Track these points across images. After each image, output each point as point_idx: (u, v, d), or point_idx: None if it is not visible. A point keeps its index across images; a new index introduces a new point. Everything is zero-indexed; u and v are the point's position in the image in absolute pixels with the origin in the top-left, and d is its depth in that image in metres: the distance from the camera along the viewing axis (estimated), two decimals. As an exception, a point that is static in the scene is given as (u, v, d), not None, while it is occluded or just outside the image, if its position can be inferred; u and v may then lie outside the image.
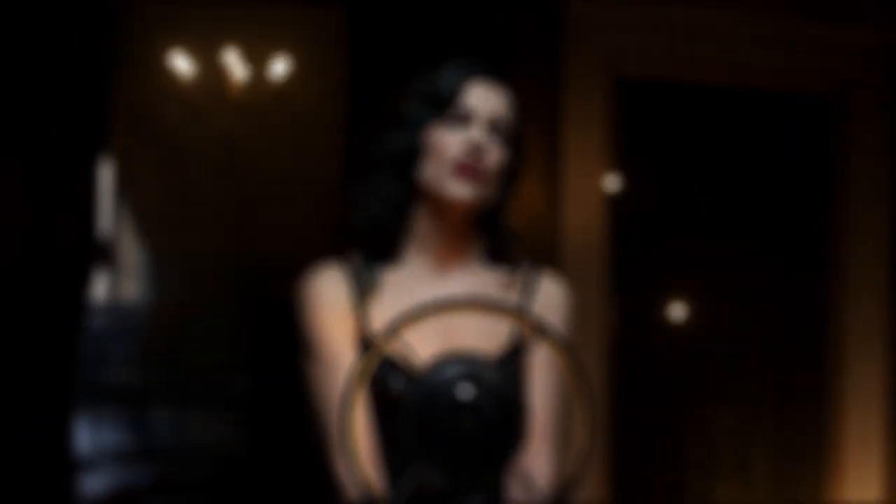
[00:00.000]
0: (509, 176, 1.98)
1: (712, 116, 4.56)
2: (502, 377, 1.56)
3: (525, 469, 1.85)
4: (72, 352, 3.99)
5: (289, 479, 3.66)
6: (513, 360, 1.89)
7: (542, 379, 1.90)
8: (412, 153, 1.90)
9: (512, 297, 1.92)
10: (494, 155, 1.87)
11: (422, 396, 1.53)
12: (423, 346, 1.67)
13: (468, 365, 1.56)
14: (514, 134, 1.94)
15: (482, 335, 1.86)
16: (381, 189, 1.92)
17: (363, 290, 1.88)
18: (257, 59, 6.46)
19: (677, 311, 4.09)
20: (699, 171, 4.53)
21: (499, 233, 2.01)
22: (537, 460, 1.87)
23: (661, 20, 4.10)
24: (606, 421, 3.86)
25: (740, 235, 4.62)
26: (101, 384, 8.43)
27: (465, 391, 1.54)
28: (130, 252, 10.41)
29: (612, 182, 3.94)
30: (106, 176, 10.36)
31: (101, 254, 7.54)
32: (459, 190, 1.85)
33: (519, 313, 1.65)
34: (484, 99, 1.88)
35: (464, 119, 1.86)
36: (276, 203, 6.64)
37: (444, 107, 1.86)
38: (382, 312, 1.79)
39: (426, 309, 1.55)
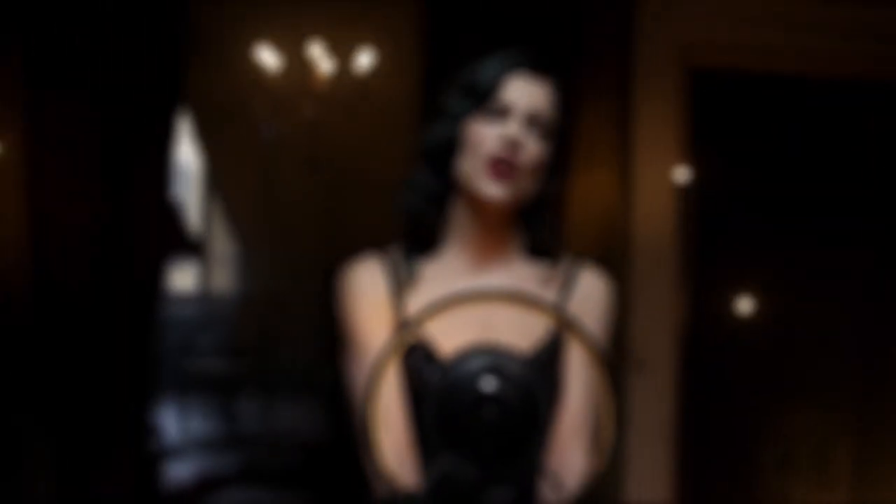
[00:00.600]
0: (552, 170, 1.95)
1: (787, 106, 4.46)
2: (527, 371, 1.54)
3: (556, 465, 1.83)
4: (152, 340, 4.06)
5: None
6: (547, 356, 1.87)
7: (576, 375, 1.87)
8: (450, 146, 1.88)
9: (550, 291, 1.90)
10: (532, 149, 1.83)
11: (445, 387, 1.52)
12: (460, 339, 1.65)
13: (493, 357, 1.54)
14: (555, 128, 1.90)
15: (519, 330, 1.84)
16: (420, 182, 1.92)
17: (401, 283, 1.88)
18: (341, 52, 6.51)
19: (751, 304, 4.02)
20: (772, 162, 4.43)
21: (539, 227, 1.97)
22: (568, 456, 1.84)
23: (733, 9, 4.02)
24: (678, 417, 3.81)
25: (815, 226, 4.51)
26: (191, 373, 8.59)
27: (489, 383, 1.52)
28: (221, 243, 10.59)
29: (684, 173, 3.89)
30: (181, 164, 10.56)
31: (191, 245, 7.68)
32: (492, 189, 1.81)
33: (546, 307, 1.63)
34: (523, 93, 1.83)
35: (501, 113, 1.83)
36: (362, 193, 6.68)
37: (483, 100, 1.83)
38: (419, 305, 1.78)
39: (447, 301, 1.55)
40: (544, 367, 1.83)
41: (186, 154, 10.18)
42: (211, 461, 7.18)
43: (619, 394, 3.37)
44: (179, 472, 6.93)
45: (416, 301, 1.82)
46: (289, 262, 8.12)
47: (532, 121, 1.82)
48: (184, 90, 3.93)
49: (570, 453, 1.86)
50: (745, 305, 3.79)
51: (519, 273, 1.91)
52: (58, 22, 3.68)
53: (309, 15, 6.69)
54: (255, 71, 7.06)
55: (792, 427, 4.35)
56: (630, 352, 3.97)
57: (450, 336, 1.63)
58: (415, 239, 1.95)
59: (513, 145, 1.79)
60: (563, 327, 1.60)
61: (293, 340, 8.64)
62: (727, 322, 3.34)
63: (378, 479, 1.57)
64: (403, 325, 1.56)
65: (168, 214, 4.17)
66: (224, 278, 10.99)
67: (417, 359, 1.79)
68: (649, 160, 3.98)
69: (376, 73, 5.82)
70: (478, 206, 1.86)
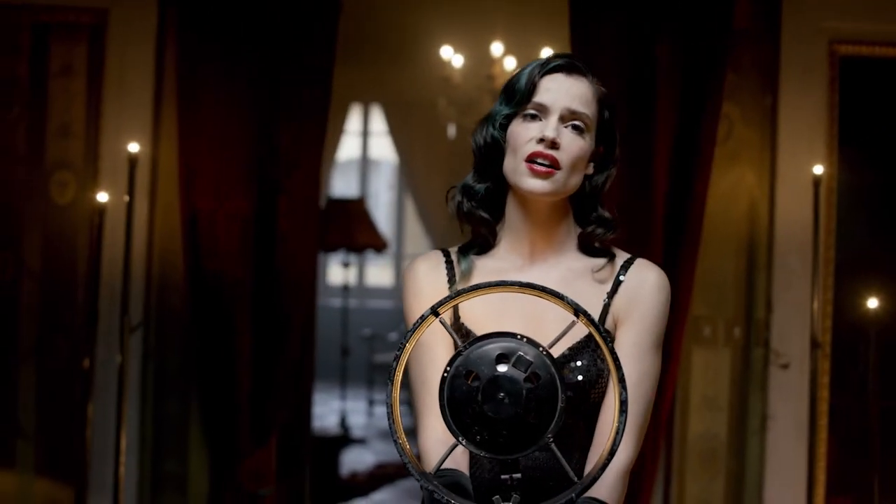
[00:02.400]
0: (599, 164, 1.97)
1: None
2: (544, 359, 1.57)
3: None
4: (308, 332, 4.21)
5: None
6: (590, 348, 1.88)
7: (626, 365, 1.88)
8: (496, 149, 1.95)
9: (598, 286, 1.92)
10: (569, 145, 1.86)
11: (459, 371, 1.57)
12: (507, 329, 1.69)
13: (509, 343, 1.57)
14: (595, 122, 1.93)
15: (567, 323, 1.86)
16: (468, 185, 1.98)
17: (457, 277, 1.95)
18: (522, 50, 6.58)
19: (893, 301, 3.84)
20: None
21: (588, 220, 2.00)
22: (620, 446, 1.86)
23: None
24: (813, 416, 3.69)
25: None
26: (378, 366, 8.84)
27: (502, 369, 1.55)
28: (414, 240, 10.86)
29: (830, 165, 3.75)
30: (378, 160, 10.82)
31: (381, 241, 7.89)
32: (531, 183, 1.86)
33: (561, 298, 1.64)
34: (559, 92, 1.88)
35: (538, 113, 1.89)
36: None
37: (520, 103, 1.91)
38: (472, 298, 1.84)
39: (463, 291, 1.59)
40: (590, 359, 1.85)
41: (382, 150, 10.47)
42: (392, 450, 7.37)
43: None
44: (362, 459, 7.16)
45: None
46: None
47: (568, 118, 1.87)
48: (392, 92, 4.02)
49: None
50: (891, 302, 3.64)
51: (569, 266, 1.93)
52: (210, 23, 3.86)
53: (492, 14, 6.78)
54: (442, 70, 7.21)
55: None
56: (773, 350, 3.89)
57: (498, 328, 1.67)
58: (473, 236, 2.01)
59: (548, 144, 1.84)
60: (580, 319, 1.60)
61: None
62: (871, 319, 3.21)
63: (410, 462, 1.62)
64: (425, 313, 1.61)
65: (319, 209, 4.26)
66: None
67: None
68: (793, 152, 3.87)
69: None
70: (525, 202, 1.91)
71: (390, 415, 1.62)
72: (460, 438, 1.57)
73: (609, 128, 1.95)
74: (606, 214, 1.97)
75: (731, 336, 3.99)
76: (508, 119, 1.91)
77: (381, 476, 6.67)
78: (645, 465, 3.74)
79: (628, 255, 1.98)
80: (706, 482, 3.98)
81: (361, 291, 10.39)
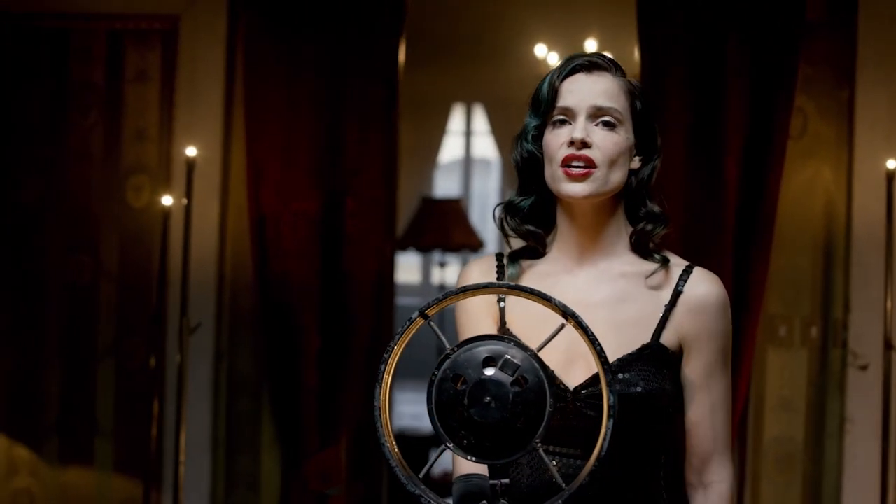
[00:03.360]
0: (643, 157, 1.92)
1: None
2: (532, 361, 1.54)
3: (705, 479, 1.87)
4: (380, 330, 4.22)
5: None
6: (645, 359, 1.85)
7: (698, 393, 1.87)
8: (532, 161, 1.92)
9: (656, 293, 1.88)
10: (603, 142, 1.82)
11: (446, 374, 1.55)
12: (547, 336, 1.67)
13: (497, 346, 1.55)
14: (628, 115, 1.88)
15: (622, 333, 1.83)
16: (512, 200, 1.96)
17: (507, 281, 1.93)
18: (617, 47, 6.50)
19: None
20: None
21: (640, 217, 1.95)
22: (714, 469, 1.87)
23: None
24: (887, 419, 3.56)
25: None
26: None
27: (489, 372, 1.53)
28: (517, 240, 10.80)
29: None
30: (484, 160, 10.77)
31: (477, 240, 7.87)
32: (570, 188, 1.82)
33: (545, 297, 1.61)
34: (581, 91, 1.84)
35: (565, 117, 1.86)
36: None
37: (547, 110, 1.88)
38: (520, 302, 1.82)
39: (452, 293, 1.57)
40: (643, 368, 1.81)
41: (487, 149, 10.47)
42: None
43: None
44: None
45: (516, 300, 1.86)
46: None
47: (596, 115, 1.82)
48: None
49: (715, 466, 1.87)
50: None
51: (621, 271, 1.89)
52: (276, 27, 3.91)
53: (586, 12, 6.74)
54: (536, 68, 7.18)
55: None
56: (851, 351, 3.77)
57: (542, 336, 1.64)
58: (524, 245, 1.99)
59: (579, 143, 1.80)
60: (569, 322, 1.57)
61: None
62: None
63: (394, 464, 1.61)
64: (413, 315, 1.60)
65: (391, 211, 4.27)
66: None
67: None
68: (870, 150, 3.74)
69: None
70: (570, 206, 1.87)
71: (378, 417, 1.60)
72: (448, 443, 1.55)
73: (645, 118, 1.90)
74: (656, 208, 1.92)
75: (807, 336, 3.88)
76: (539, 130, 1.88)
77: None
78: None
79: (686, 263, 1.92)
80: (782, 487, 3.87)
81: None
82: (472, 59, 8.45)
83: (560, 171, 1.83)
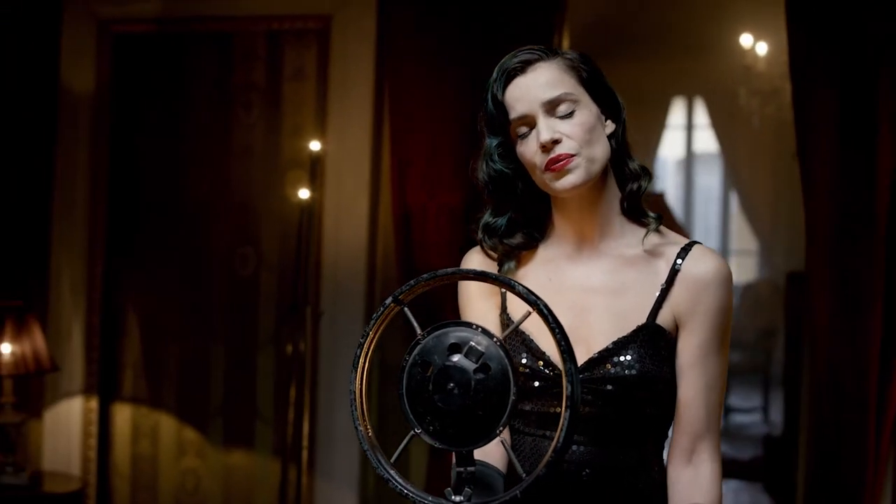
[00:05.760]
0: (612, 118, 1.85)
1: None
2: (497, 349, 1.51)
3: (688, 473, 1.79)
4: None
5: (834, 458, 3.48)
6: (639, 343, 1.79)
7: (692, 371, 1.79)
8: (503, 179, 1.89)
9: (653, 276, 1.82)
10: (571, 129, 1.78)
11: (416, 360, 1.54)
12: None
13: (464, 332, 1.53)
14: (582, 90, 1.82)
15: (619, 315, 1.80)
16: (488, 220, 1.92)
17: (505, 271, 1.91)
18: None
19: None
20: None
21: (627, 177, 1.88)
22: (697, 463, 1.79)
23: None
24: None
25: None
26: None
27: (455, 358, 1.52)
28: (741, 235, 10.51)
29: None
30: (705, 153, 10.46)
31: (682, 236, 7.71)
32: (561, 184, 1.79)
33: (510, 284, 1.57)
34: (526, 96, 1.79)
35: (525, 126, 1.82)
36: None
37: (503, 126, 1.84)
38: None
39: (423, 279, 1.56)
40: (638, 350, 1.76)
41: (708, 143, 10.23)
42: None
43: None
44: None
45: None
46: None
47: (551, 109, 1.78)
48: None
49: (706, 445, 1.80)
50: None
51: (620, 254, 1.84)
52: (422, 23, 3.95)
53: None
54: (743, 59, 6.98)
55: None
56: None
57: (541, 323, 1.63)
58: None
59: (549, 146, 1.77)
60: (525, 301, 1.53)
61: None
62: None
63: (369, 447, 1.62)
64: (386, 301, 1.61)
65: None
66: (739, 271, 10.85)
67: (514, 344, 1.83)
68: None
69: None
70: (562, 199, 1.85)
71: (353, 401, 1.62)
72: (416, 429, 1.55)
73: (597, 83, 1.83)
74: (636, 164, 1.87)
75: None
76: (503, 147, 1.85)
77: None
78: (866, 473, 3.46)
79: (687, 241, 1.86)
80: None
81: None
82: (687, 51, 8.29)
83: (547, 175, 1.79)
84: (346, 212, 4.11)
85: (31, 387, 4.37)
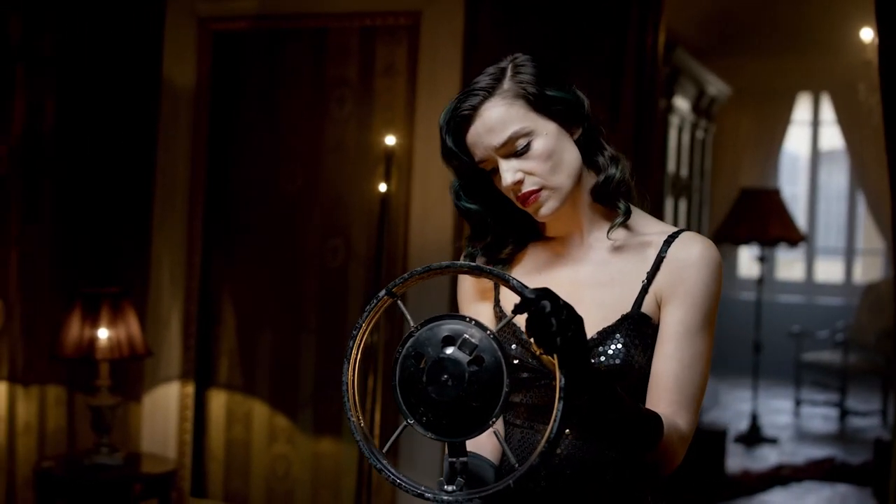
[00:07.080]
0: (577, 122, 1.83)
1: None
2: (490, 341, 1.54)
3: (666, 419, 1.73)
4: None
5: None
6: (627, 328, 1.78)
7: (667, 346, 1.76)
8: (475, 214, 1.91)
9: (643, 264, 1.82)
10: (534, 164, 1.77)
11: (409, 351, 1.57)
12: None
13: (457, 325, 1.56)
14: (530, 119, 1.78)
15: (606, 306, 1.80)
16: (471, 251, 1.95)
17: (502, 268, 1.92)
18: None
19: None
20: None
21: (600, 167, 1.86)
22: (682, 419, 1.69)
23: None
24: None
25: None
26: (806, 363, 8.44)
27: (448, 351, 1.55)
28: (868, 234, 10.22)
29: None
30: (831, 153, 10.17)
31: (796, 235, 7.54)
32: (540, 215, 1.81)
33: (504, 277, 1.59)
34: (479, 144, 1.77)
35: (488, 163, 1.82)
36: None
37: (468, 171, 1.84)
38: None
39: (416, 272, 1.59)
40: (623, 340, 1.76)
41: (834, 140, 9.98)
42: (797, 451, 7.07)
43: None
44: (764, 458, 6.93)
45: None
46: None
47: (508, 150, 1.77)
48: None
49: (676, 416, 1.76)
50: None
51: (612, 244, 1.84)
52: (510, 19, 3.98)
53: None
54: (864, 54, 6.81)
55: None
56: None
57: None
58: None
59: (516, 187, 1.77)
60: (515, 292, 1.55)
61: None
62: None
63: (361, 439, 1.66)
64: (380, 294, 1.65)
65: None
66: (866, 270, 10.57)
67: (505, 336, 1.85)
68: None
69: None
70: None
71: (346, 392, 1.67)
72: (409, 419, 1.59)
73: (546, 98, 1.81)
74: (608, 154, 1.85)
75: None
76: (471, 186, 1.86)
77: (773, 477, 6.42)
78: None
79: (675, 229, 1.86)
80: None
81: (771, 285, 9.92)
82: (814, 46, 8.11)
83: (525, 208, 1.81)
84: (433, 205, 4.16)
85: (131, 371, 4.54)
